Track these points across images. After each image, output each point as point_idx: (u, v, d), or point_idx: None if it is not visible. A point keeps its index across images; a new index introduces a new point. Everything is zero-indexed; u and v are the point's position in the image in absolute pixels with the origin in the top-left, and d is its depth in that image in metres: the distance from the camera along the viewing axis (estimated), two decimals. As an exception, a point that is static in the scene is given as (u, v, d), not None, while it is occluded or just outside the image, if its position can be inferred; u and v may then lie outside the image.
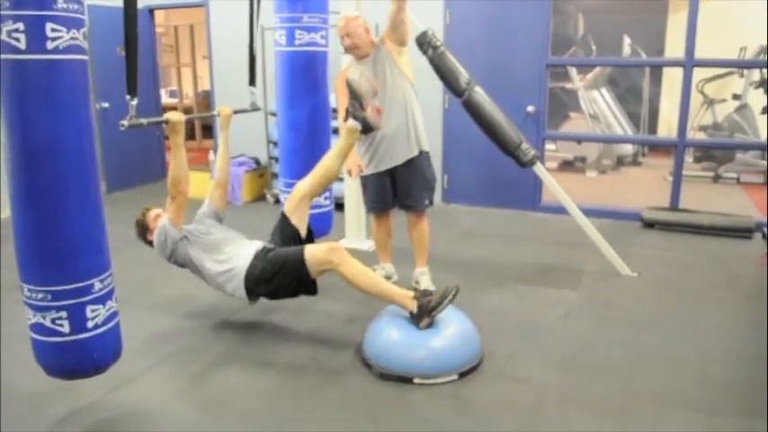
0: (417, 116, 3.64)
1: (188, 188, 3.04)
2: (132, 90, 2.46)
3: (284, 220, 3.21)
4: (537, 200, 5.88)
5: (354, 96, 3.17)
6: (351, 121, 3.19)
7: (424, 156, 3.66)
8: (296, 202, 3.19)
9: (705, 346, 3.10)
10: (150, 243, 3.28)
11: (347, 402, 2.62)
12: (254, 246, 3.11)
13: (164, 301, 3.76)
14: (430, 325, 2.83)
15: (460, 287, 2.85)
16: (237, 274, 3.01)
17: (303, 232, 3.22)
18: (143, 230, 3.29)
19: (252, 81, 3.72)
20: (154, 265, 4.38)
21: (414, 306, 2.83)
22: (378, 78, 3.52)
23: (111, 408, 2.59)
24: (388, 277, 3.89)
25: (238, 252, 3.08)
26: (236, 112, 3.58)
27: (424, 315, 2.81)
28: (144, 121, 2.63)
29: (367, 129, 3.21)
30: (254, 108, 3.71)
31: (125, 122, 2.53)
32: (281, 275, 2.93)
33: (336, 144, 3.29)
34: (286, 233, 3.18)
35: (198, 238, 3.16)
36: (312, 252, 2.89)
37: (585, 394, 2.67)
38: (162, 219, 3.17)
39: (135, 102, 2.50)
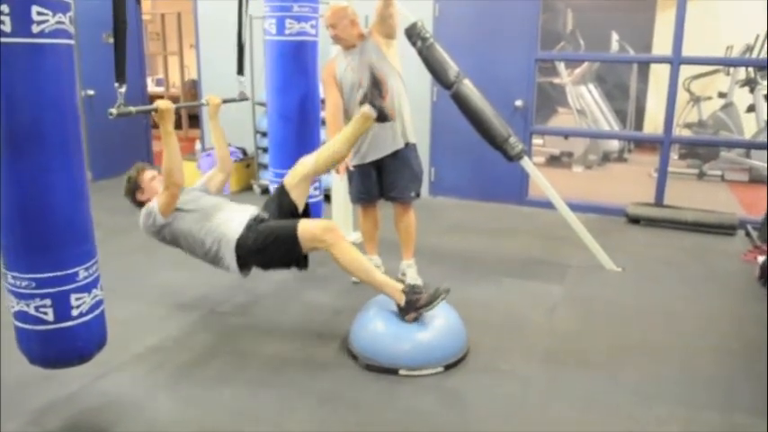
0: (405, 108, 3.62)
1: (183, 178, 2.93)
2: (121, 77, 2.43)
3: (283, 193, 3.13)
4: (524, 194, 5.90)
5: (374, 83, 3.06)
6: (367, 107, 3.05)
7: (410, 148, 3.65)
8: (298, 178, 3.12)
9: (688, 341, 3.13)
10: (137, 203, 3.17)
11: (333, 394, 2.62)
12: (246, 213, 3.03)
13: (149, 291, 3.74)
14: (416, 319, 2.84)
15: (451, 290, 2.84)
16: (228, 243, 2.93)
17: (301, 208, 3.15)
18: (134, 189, 3.18)
19: (240, 70, 3.68)
20: (140, 255, 4.36)
21: (402, 300, 2.83)
22: (364, 70, 3.51)
23: (95, 398, 2.57)
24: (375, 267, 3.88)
25: (229, 218, 2.99)
26: (224, 101, 3.50)
27: (411, 310, 2.81)
28: (133, 109, 2.59)
29: (382, 118, 3.09)
30: (243, 98, 3.66)
31: (113, 110, 2.49)
32: (273, 248, 2.86)
33: (347, 129, 3.19)
34: (284, 207, 3.10)
35: (186, 212, 3.03)
36: (306, 228, 2.83)
37: (569, 387, 2.69)
38: (152, 201, 3.06)
39: (123, 89, 2.47)
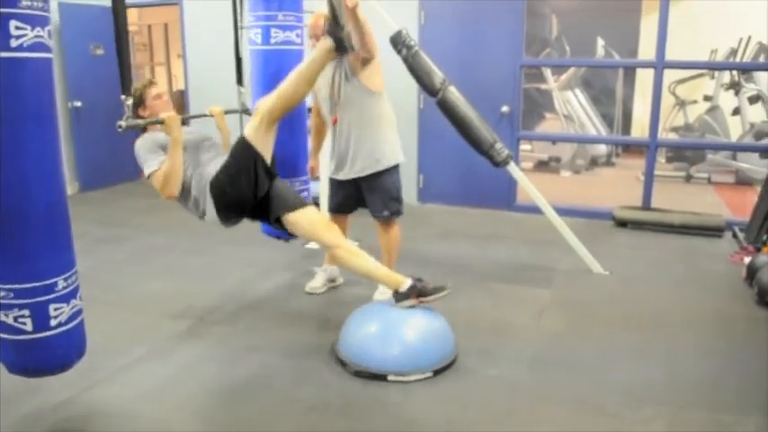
0: (382, 130, 3.46)
1: (177, 190, 2.93)
2: (127, 89, 2.44)
3: (246, 147, 2.93)
4: (512, 199, 5.92)
5: (332, 11, 2.85)
6: (325, 39, 2.88)
7: (386, 173, 3.48)
8: (255, 126, 2.91)
9: (675, 342, 3.15)
10: (138, 118, 2.98)
11: (321, 400, 2.62)
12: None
13: (137, 301, 3.72)
14: (411, 307, 2.89)
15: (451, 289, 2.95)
16: (205, 188, 2.93)
17: (268, 159, 2.96)
18: (137, 103, 2.98)
19: (239, 80, 3.65)
20: (127, 264, 4.35)
21: (406, 283, 2.89)
22: (334, 88, 3.42)
23: (82, 407, 2.56)
24: (330, 280, 3.86)
25: (210, 169, 2.99)
26: (226, 112, 3.48)
27: (410, 295, 2.87)
28: (141, 121, 2.62)
29: (340, 48, 2.89)
30: (244, 109, 3.61)
31: (123, 123, 2.51)
32: (236, 170, 2.88)
33: (304, 63, 3.01)
34: (243, 155, 2.94)
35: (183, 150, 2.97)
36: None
37: (557, 391, 2.70)
38: (155, 166, 2.94)
39: (130, 101, 2.48)
